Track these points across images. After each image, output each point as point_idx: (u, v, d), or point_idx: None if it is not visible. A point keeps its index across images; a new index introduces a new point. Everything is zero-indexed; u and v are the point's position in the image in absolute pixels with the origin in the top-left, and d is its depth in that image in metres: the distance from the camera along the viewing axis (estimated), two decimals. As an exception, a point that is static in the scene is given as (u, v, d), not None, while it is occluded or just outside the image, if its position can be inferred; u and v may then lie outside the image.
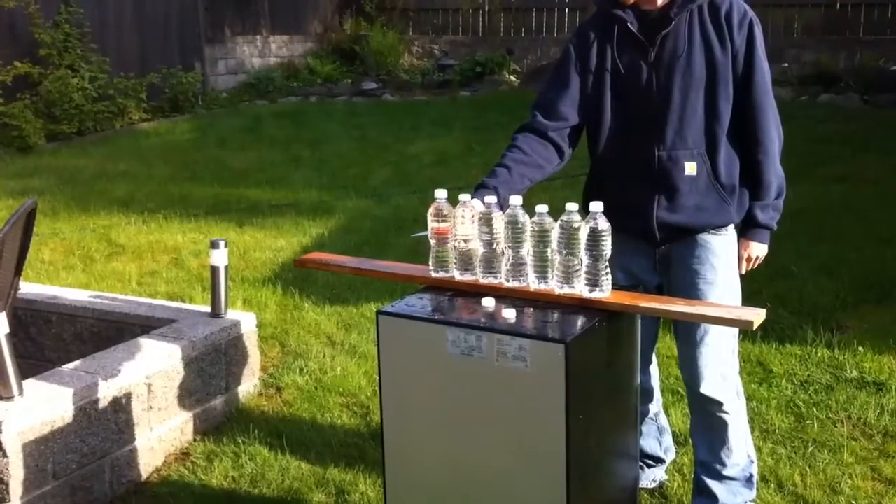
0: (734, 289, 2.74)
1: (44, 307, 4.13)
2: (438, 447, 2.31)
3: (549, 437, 2.11)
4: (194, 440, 3.60)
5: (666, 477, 3.19)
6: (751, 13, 2.62)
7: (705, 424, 2.82)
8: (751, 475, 2.88)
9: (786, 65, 11.05)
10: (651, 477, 3.13)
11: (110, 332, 3.94)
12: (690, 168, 2.62)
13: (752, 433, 3.41)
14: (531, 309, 2.26)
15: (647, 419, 3.06)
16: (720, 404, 2.74)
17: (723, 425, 2.77)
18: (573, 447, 2.10)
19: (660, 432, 3.14)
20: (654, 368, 3.05)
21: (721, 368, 2.72)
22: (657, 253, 2.75)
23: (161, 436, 3.46)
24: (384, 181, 7.95)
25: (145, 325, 3.83)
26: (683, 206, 2.65)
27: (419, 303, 2.36)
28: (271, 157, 9.05)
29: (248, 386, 3.93)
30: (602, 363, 2.28)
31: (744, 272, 2.78)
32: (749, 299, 2.76)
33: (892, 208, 6.14)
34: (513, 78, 12.45)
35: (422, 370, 2.28)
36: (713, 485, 2.84)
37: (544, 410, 2.10)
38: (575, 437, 2.11)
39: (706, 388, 2.72)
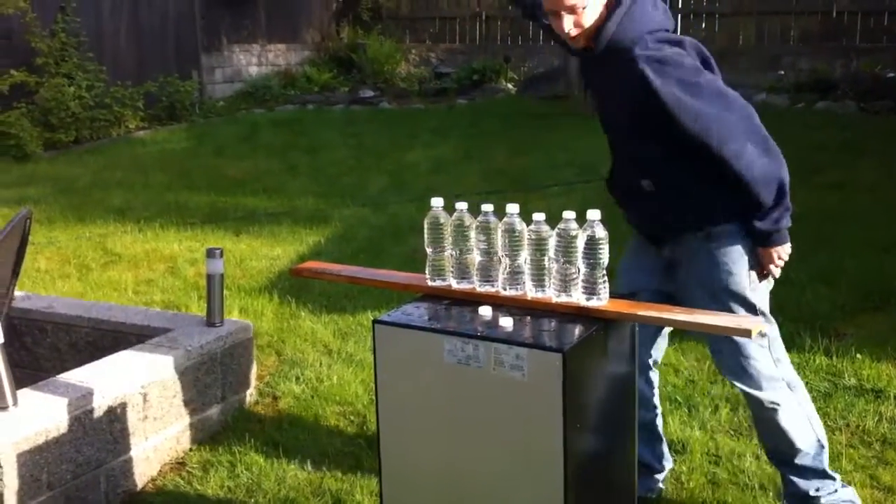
0: (738, 283, 2.67)
1: (39, 316, 4.11)
2: (435, 457, 2.30)
3: (546, 447, 2.10)
4: (190, 449, 3.59)
5: (663, 486, 3.17)
6: (642, 65, 2.47)
7: (755, 417, 2.89)
8: (822, 462, 2.86)
9: (782, 72, 11.07)
10: (648, 486, 3.12)
11: (106, 341, 3.92)
12: (647, 184, 2.67)
13: (751, 442, 3.41)
14: (528, 317, 2.25)
15: (641, 427, 3.05)
16: (755, 398, 2.76)
17: (770, 417, 2.78)
18: (571, 456, 2.09)
19: (654, 441, 3.13)
20: (653, 375, 3.04)
21: (743, 361, 2.72)
22: (663, 257, 2.81)
23: (156, 445, 3.45)
24: (381, 189, 7.94)
25: (141, 334, 3.82)
26: (655, 215, 2.75)
27: (416, 311, 2.35)
28: (268, 165, 9.05)
29: (245, 395, 3.91)
30: (600, 372, 2.27)
31: (777, 276, 2.73)
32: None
33: (890, 215, 6.14)
34: (510, 86, 12.46)
35: (418, 379, 2.27)
36: (786, 472, 2.87)
37: (542, 419, 2.09)
38: (573, 447, 2.10)
39: (734, 381, 2.77)
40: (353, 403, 3.90)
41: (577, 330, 2.18)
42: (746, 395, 2.77)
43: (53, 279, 5.65)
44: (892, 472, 3.22)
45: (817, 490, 2.84)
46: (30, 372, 3.98)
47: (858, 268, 5.14)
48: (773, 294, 2.81)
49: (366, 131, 10.29)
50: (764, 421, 2.81)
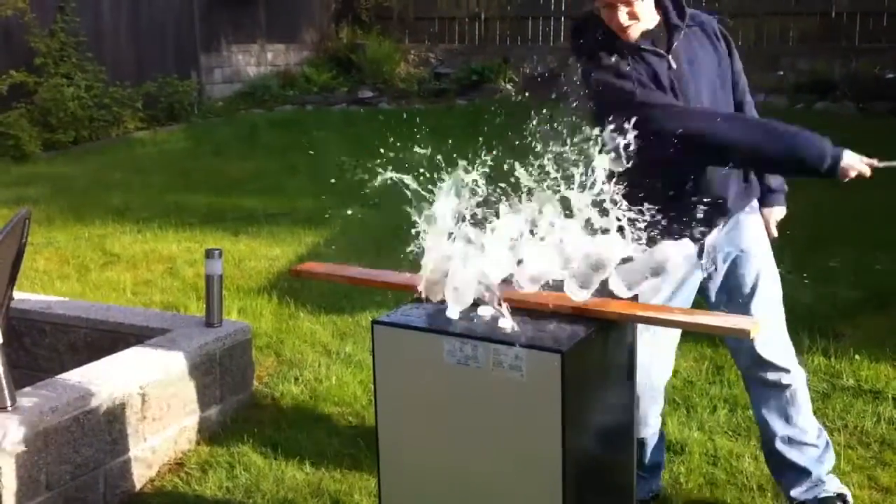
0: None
1: (38, 317, 4.11)
2: (434, 457, 2.30)
3: (545, 447, 2.09)
4: (188, 450, 3.58)
5: (661, 485, 3.17)
6: (717, 22, 2.82)
7: (775, 391, 2.86)
8: (827, 440, 2.94)
9: (781, 73, 11.07)
10: (647, 487, 3.11)
11: (105, 341, 3.92)
12: (730, 166, 2.70)
13: (749, 443, 3.41)
14: (528, 318, 2.25)
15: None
16: (783, 368, 2.81)
17: (795, 388, 2.84)
18: (569, 457, 2.09)
19: (661, 441, 3.12)
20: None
21: (777, 333, 2.80)
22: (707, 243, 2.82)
23: (155, 446, 3.44)
24: (380, 190, 7.93)
25: (140, 334, 3.82)
26: (741, 195, 2.77)
27: (415, 312, 2.35)
28: (267, 165, 9.04)
29: (243, 395, 3.91)
30: (599, 372, 2.27)
31: (776, 235, 2.90)
32: (745, 308, 2.75)
33: (888, 216, 6.15)
34: (509, 86, 12.46)
35: (417, 380, 2.27)
36: (794, 455, 2.89)
37: (541, 420, 2.09)
38: (571, 447, 2.09)
39: (764, 352, 2.79)
40: (351, 404, 3.90)
41: (577, 330, 2.17)
42: (774, 367, 2.80)
43: (52, 279, 5.65)
44: (890, 473, 3.22)
45: (821, 481, 2.89)
46: (28, 372, 3.98)
47: (857, 268, 5.15)
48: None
49: (365, 132, 10.28)
50: (786, 392, 2.84)
